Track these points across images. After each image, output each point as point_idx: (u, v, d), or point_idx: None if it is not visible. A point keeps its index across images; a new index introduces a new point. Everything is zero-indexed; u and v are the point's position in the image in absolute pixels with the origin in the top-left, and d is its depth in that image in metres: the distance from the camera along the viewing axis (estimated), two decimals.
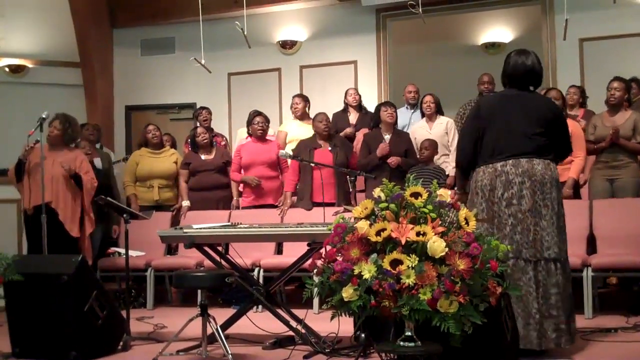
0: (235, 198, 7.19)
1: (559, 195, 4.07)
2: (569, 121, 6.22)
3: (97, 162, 7.22)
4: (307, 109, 7.69)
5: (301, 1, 9.43)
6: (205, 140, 7.24)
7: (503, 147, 4.05)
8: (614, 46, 8.37)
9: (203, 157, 7.23)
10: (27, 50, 9.73)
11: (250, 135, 7.22)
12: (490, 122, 4.13)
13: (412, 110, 7.84)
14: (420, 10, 7.16)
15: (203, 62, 7.96)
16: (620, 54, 8.29)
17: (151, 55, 10.16)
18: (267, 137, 7.23)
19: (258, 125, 7.04)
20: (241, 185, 7.16)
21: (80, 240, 6.20)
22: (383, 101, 8.09)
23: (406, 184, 3.18)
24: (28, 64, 9.81)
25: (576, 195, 6.36)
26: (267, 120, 7.16)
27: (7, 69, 9.74)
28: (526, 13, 10.04)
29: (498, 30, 10.81)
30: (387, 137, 6.71)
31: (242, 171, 7.04)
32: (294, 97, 7.81)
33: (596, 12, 8.37)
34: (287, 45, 9.71)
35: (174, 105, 10.15)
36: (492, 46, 10.78)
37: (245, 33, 7.77)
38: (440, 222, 3.04)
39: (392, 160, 6.51)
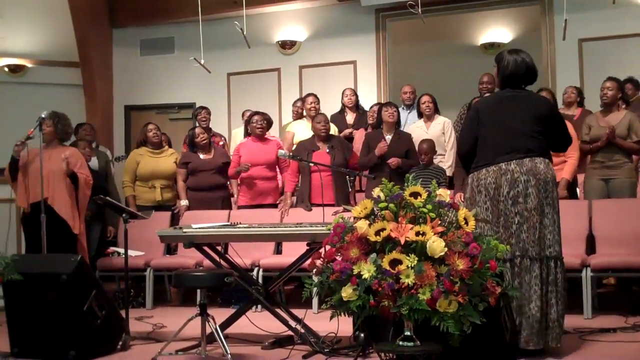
0: (235, 196, 7.19)
1: (558, 194, 4.14)
2: None
3: (94, 161, 7.21)
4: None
5: (300, 1, 9.43)
6: (204, 141, 7.23)
7: (505, 147, 4.07)
8: (613, 46, 8.37)
9: (202, 156, 7.21)
10: (26, 50, 9.73)
11: (249, 135, 7.21)
12: (490, 124, 4.16)
13: (408, 111, 7.86)
14: (420, 10, 7.17)
15: (202, 62, 7.95)
16: (619, 54, 8.30)
17: (151, 55, 10.17)
18: (267, 137, 7.23)
19: (257, 124, 7.02)
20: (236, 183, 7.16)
21: (78, 237, 6.19)
22: (383, 101, 8.11)
23: (405, 184, 3.18)
24: (27, 63, 9.80)
25: (573, 195, 6.36)
26: (266, 120, 7.15)
27: (6, 69, 9.73)
28: (525, 13, 10.04)
29: (497, 30, 10.81)
30: (388, 137, 6.71)
31: None
32: (307, 96, 7.68)
33: (595, 13, 8.38)
34: (286, 46, 9.72)
35: (174, 105, 10.15)
36: (491, 46, 10.78)
37: (245, 33, 7.77)
38: (439, 222, 3.04)
39: (393, 161, 6.51)
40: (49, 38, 9.82)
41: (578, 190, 6.58)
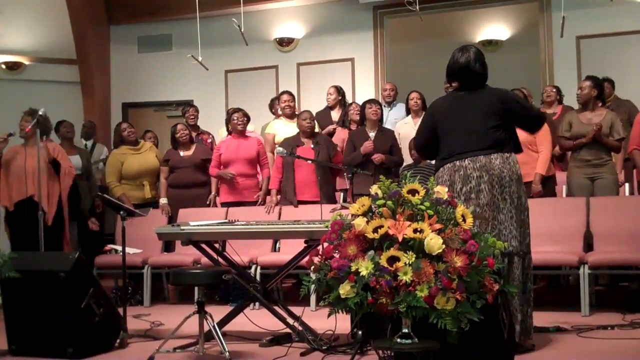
0: (213, 193, 7.18)
1: (519, 188, 4.06)
2: None
3: (76, 160, 7.18)
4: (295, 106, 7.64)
5: None
6: (185, 138, 7.24)
7: (460, 145, 4.08)
8: (611, 44, 8.38)
9: (182, 153, 7.22)
10: (24, 47, 9.72)
11: (230, 132, 7.21)
12: (445, 125, 4.17)
13: (389, 108, 7.89)
14: (417, 7, 7.17)
15: (200, 59, 7.95)
16: (617, 52, 8.31)
17: (148, 52, 10.16)
18: (248, 134, 7.21)
19: (238, 121, 7.02)
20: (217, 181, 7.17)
21: (63, 232, 6.18)
22: (381, 99, 8.10)
23: (403, 182, 3.18)
24: (25, 60, 9.79)
25: (551, 192, 6.36)
26: (246, 116, 7.14)
27: (3, 66, 9.73)
28: (523, 10, 10.04)
29: (495, 27, 10.82)
30: (371, 134, 6.74)
31: (222, 167, 7.00)
32: (282, 94, 7.59)
33: (593, 10, 8.39)
34: (284, 43, 9.71)
35: (171, 102, 10.14)
36: (489, 44, 10.78)
37: (242, 30, 7.77)
38: (437, 219, 3.04)
39: (377, 158, 6.53)
40: (47, 35, 9.81)
41: (564, 187, 6.56)
